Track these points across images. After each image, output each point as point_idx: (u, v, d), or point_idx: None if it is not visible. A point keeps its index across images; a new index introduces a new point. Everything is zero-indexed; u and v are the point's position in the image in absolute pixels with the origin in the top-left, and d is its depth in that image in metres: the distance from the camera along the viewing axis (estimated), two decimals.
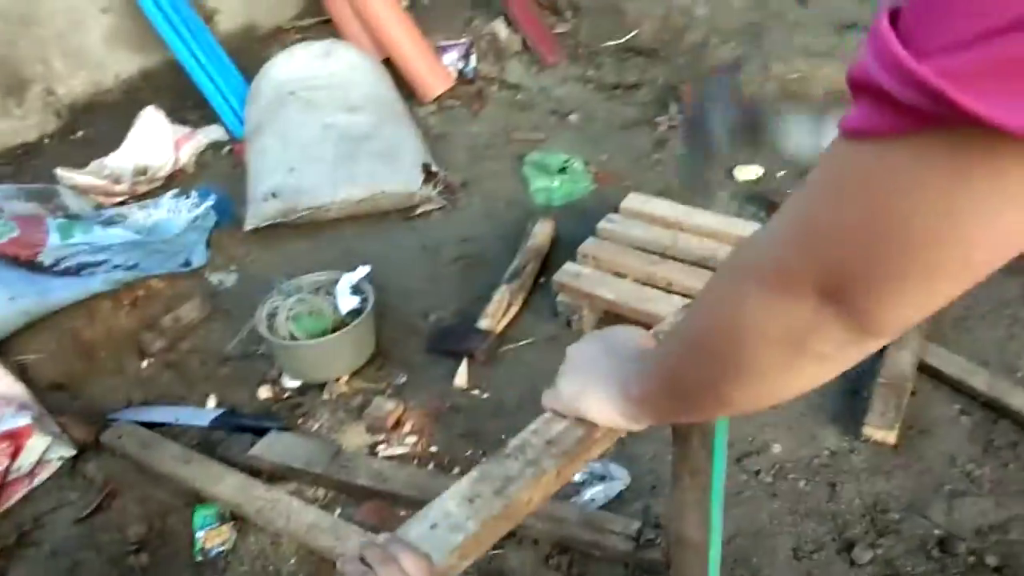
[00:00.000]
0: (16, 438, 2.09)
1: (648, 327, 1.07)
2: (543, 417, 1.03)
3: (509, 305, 2.49)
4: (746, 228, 2.46)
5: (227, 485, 2.00)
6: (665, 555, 1.76)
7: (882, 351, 2.14)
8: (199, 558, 1.91)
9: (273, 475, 2.07)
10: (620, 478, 1.97)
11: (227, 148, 3.47)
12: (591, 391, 0.96)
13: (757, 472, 1.96)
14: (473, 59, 3.76)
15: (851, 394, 2.13)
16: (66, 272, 2.64)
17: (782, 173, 3.02)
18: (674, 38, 3.84)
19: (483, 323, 2.43)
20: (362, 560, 0.85)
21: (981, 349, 2.19)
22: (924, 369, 2.12)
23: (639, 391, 0.91)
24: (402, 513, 1.96)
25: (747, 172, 3.04)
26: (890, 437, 1.96)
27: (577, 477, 1.96)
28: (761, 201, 2.87)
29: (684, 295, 2.27)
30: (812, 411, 2.10)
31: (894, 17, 0.43)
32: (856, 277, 0.53)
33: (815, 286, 0.56)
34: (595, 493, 1.93)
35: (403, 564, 0.83)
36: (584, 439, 1.00)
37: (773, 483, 1.94)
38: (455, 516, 0.92)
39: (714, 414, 0.78)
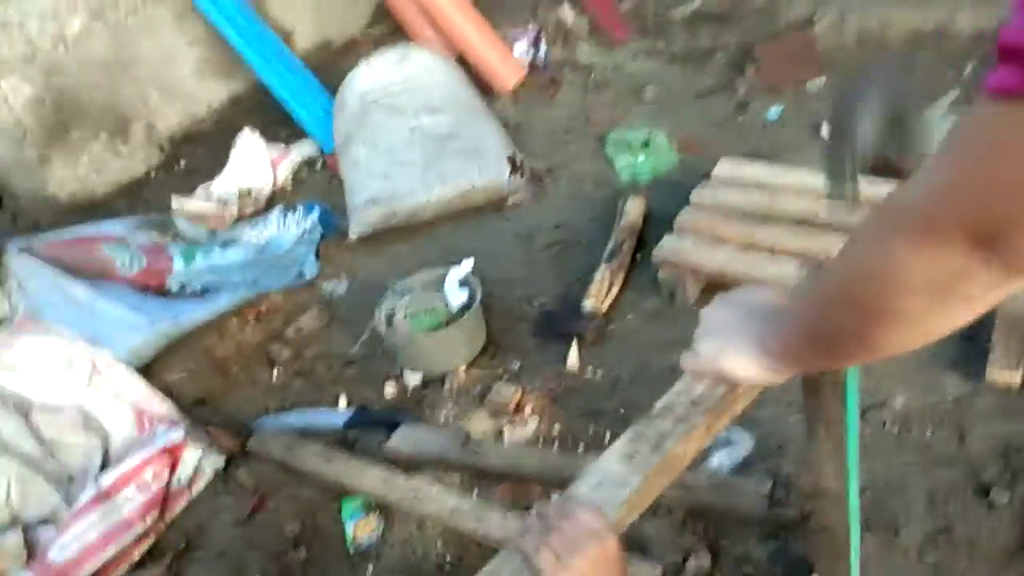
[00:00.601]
0: (173, 452, 2.27)
1: None
2: (684, 379, 1.09)
3: (611, 284, 2.55)
4: None
5: (370, 477, 2.13)
6: (800, 511, 1.80)
7: None
8: (351, 549, 2.05)
9: (410, 465, 2.20)
10: (743, 442, 2.01)
11: (320, 162, 3.62)
12: (731, 350, 1.01)
13: (883, 424, 1.97)
14: (543, 46, 3.81)
15: (968, 339, 2.11)
16: (192, 295, 2.84)
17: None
18: (740, 0, 3.80)
19: (587, 304, 2.49)
20: (540, 518, 0.94)
21: None
22: None
23: (779, 345, 0.96)
24: (538, 491, 2.06)
25: None
26: (1016, 378, 1.95)
27: None
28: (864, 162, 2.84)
29: (789, 255, 2.28)
30: (930, 360, 2.10)
31: None
32: (1011, 224, 0.58)
33: (967, 235, 0.59)
34: (721, 459, 1.98)
35: (579, 516, 0.91)
36: (727, 395, 1.06)
37: (899, 434, 1.95)
38: (618, 473, 0.99)
39: (859, 359, 0.82)
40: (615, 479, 0.99)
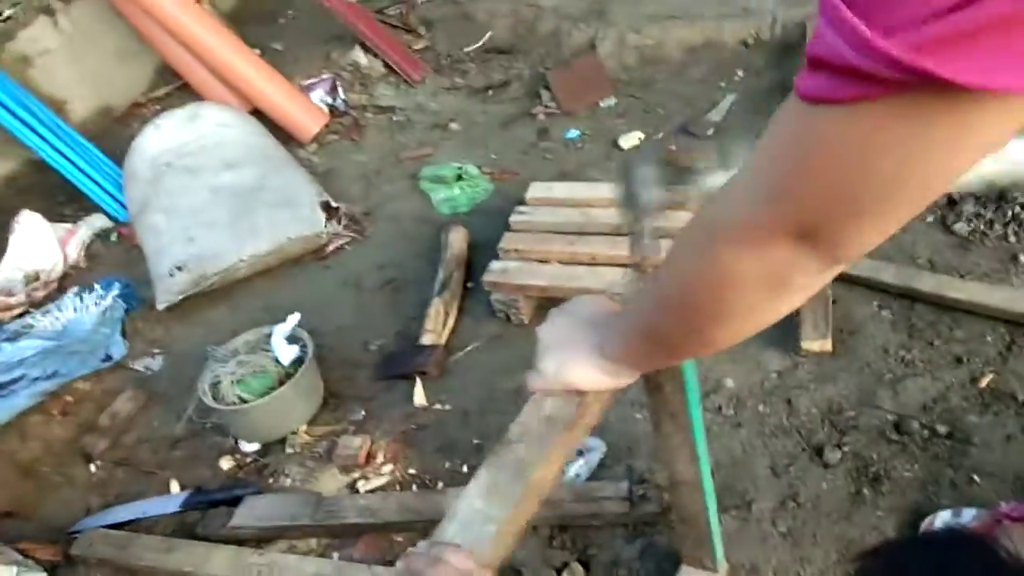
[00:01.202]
0: None
1: None
2: (533, 399, 1.08)
3: (446, 316, 2.53)
4: None
5: (217, 561, 1.96)
6: (660, 505, 1.85)
7: None
8: None
9: (260, 539, 2.04)
10: (597, 448, 2.04)
11: (114, 234, 3.36)
12: (572, 361, 1.02)
13: (719, 408, 2.07)
14: (341, 91, 3.77)
15: None
16: None
17: (661, 134, 3.18)
18: (528, 31, 3.96)
19: (426, 339, 2.46)
20: (409, 572, 0.88)
21: (881, 247, 2.36)
22: (838, 277, 2.27)
23: (619, 350, 0.98)
24: (399, 539, 1.98)
25: (630, 140, 3.18)
26: (827, 345, 2.11)
27: None
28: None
29: (609, 265, 2.37)
30: (750, 340, 2.21)
31: None
32: (830, 221, 0.60)
33: (791, 233, 0.62)
34: (578, 468, 2.00)
35: (451, 562, 0.87)
36: (579, 408, 1.06)
37: (736, 414, 2.05)
38: (482, 509, 0.96)
39: (697, 354, 0.84)
40: (481, 515, 0.95)
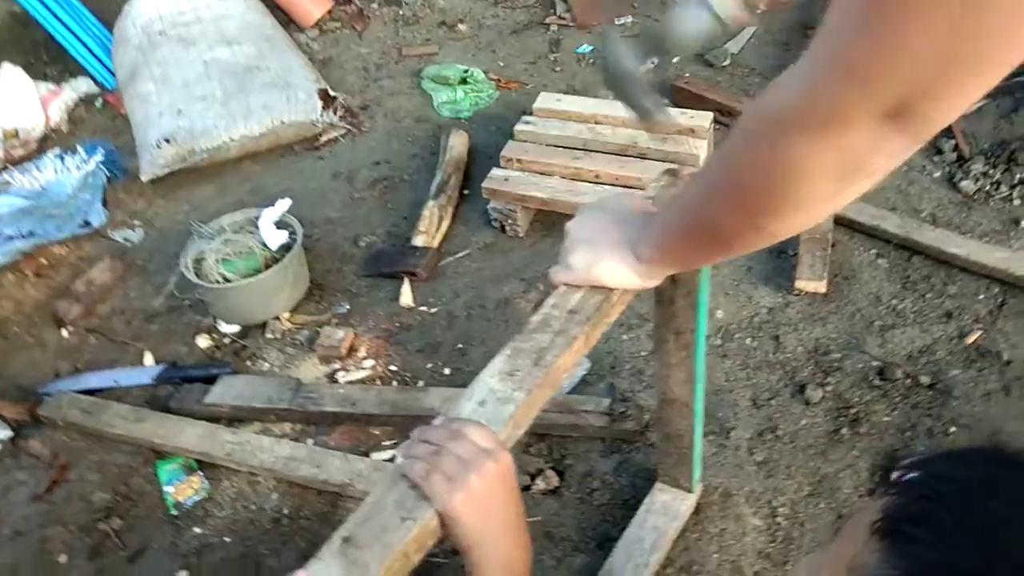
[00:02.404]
0: None
1: None
2: (559, 291, 1.06)
3: (440, 219, 2.48)
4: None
5: (189, 435, 1.94)
6: (639, 424, 1.86)
7: None
8: (174, 511, 1.87)
9: (234, 419, 2.03)
10: (581, 363, 2.04)
11: (100, 100, 3.22)
12: (604, 258, 1.00)
13: (707, 337, 2.05)
14: None
15: (777, 254, 2.26)
16: None
17: (676, 59, 3.09)
18: None
19: (418, 240, 2.41)
20: (426, 443, 0.86)
21: (886, 197, 2.36)
22: (840, 221, 2.26)
23: (654, 249, 0.95)
24: (376, 432, 1.98)
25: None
26: (821, 287, 2.11)
27: None
28: (663, 87, 2.93)
29: (612, 184, 2.32)
30: (745, 276, 2.22)
31: None
32: (925, 93, 0.56)
33: (877, 116, 0.58)
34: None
35: (470, 436, 0.85)
36: (603, 303, 1.04)
37: (722, 345, 2.05)
38: (500, 391, 0.94)
39: (749, 248, 0.82)
40: (499, 396, 0.94)
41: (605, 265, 1.00)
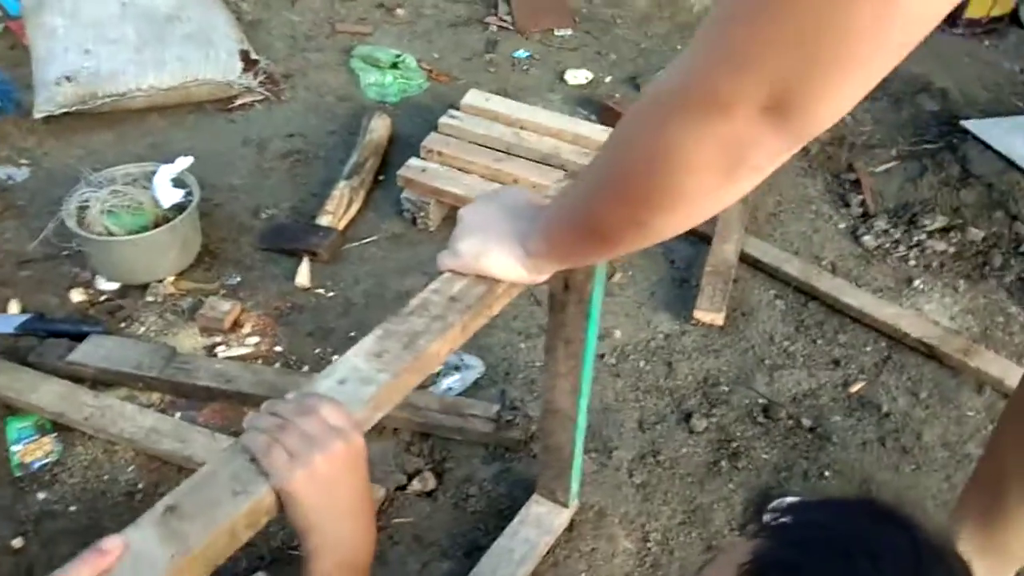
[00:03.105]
0: None
1: None
2: (443, 277, 1.02)
3: (350, 202, 2.39)
4: (583, 127, 2.51)
5: (45, 393, 1.80)
6: (524, 433, 1.82)
7: (708, 243, 2.29)
8: (18, 473, 1.72)
9: (99, 381, 1.89)
10: (475, 367, 1.99)
11: (1, 26, 2.99)
12: (493, 249, 0.97)
13: (602, 355, 2.05)
14: None
15: (680, 283, 2.28)
16: None
17: (609, 79, 3.11)
18: None
19: (323, 220, 2.32)
20: (274, 415, 0.80)
21: (791, 240, 2.42)
22: (744, 259, 2.30)
23: (544, 243, 0.93)
24: (250, 412, 1.87)
25: (577, 76, 3.09)
26: (718, 319, 2.13)
27: None
28: (592, 104, 2.94)
29: (532, 189, 2.29)
30: (647, 300, 2.23)
31: None
32: (801, 84, 0.56)
33: (756, 104, 0.57)
34: (452, 383, 1.94)
35: (321, 412, 0.79)
36: (487, 295, 1.00)
37: (616, 364, 2.05)
38: (364, 371, 0.89)
39: (633, 245, 0.80)
40: (361, 376, 0.88)
41: (493, 256, 0.97)
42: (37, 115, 2.56)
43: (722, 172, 0.64)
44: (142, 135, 2.66)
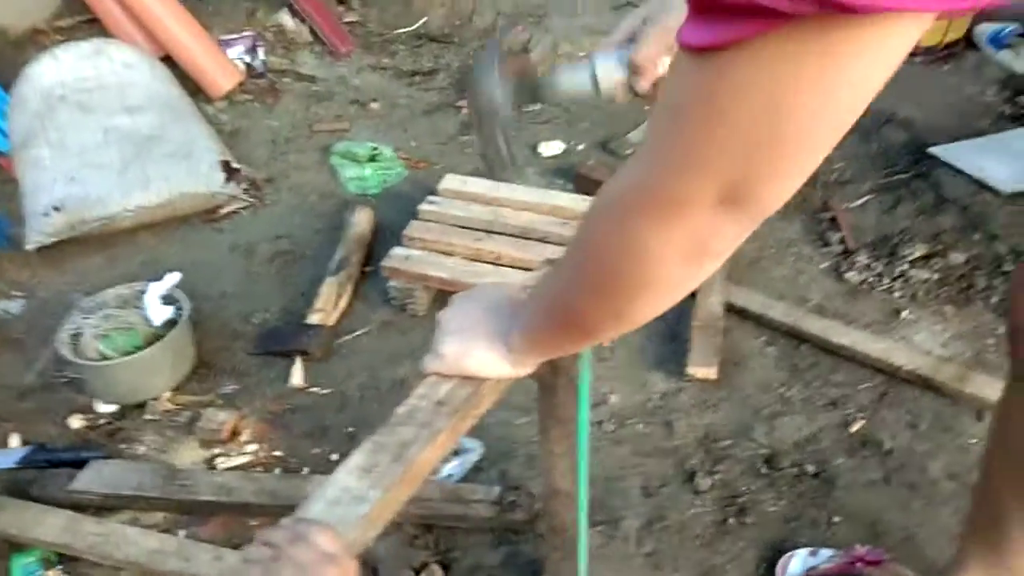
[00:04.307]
0: None
1: None
2: (428, 380, 1.03)
3: (339, 297, 2.43)
4: (560, 198, 2.56)
5: (49, 526, 1.81)
6: (528, 514, 1.81)
7: (693, 296, 2.31)
8: None
9: (102, 507, 1.90)
10: (474, 449, 1.99)
11: None
12: (474, 348, 0.99)
13: (600, 423, 2.05)
14: (261, 52, 3.60)
15: (671, 339, 2.28)
16: None
17: (582, 147, 3.17)
18: (463, 23, 3.90)
19: (313, 318, 2.35)
20: (267, 545, 0.81)
21: (775, 285, 2.43)
22: (731, 308, 2.31)
23: (524, 338, 0.95)
24: (254, 523, 1.87)
25: (551, 148, 3.16)
26: (712, 373, 2.13)
27: None
28: (567, 174, 3.00)
29: (512, 266, 2.33)
30: (639, 360, 2.24)
31: None
32: (750, 179, 0.58)
33: (709, 198, 0.60)
34: (452, 469, 1.94)
35: (313, 540, 0.80)
36: (473, 395, 1.01)
37: (616, 431, 2.04)
38: (355, 489, 0.90)
39: (613, 333, 0.82)
40: (353, 495, 0.89)
41: (475, 355, 0.99)
42: (29, 247, 2.63)
43: (687, 262, 0.67)
44: (133, 254, 2.72)
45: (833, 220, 2.61)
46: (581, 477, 1.43)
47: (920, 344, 2.20)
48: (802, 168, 0.59)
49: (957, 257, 2.39)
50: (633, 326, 0.79)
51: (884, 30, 0.49)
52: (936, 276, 2.37)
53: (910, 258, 2.40)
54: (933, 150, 2.76)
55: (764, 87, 0.52)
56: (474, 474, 1.95)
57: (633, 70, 1.08)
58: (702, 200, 0.60)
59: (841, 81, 0.51)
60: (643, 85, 1.10)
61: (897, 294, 2.35)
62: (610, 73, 1.18)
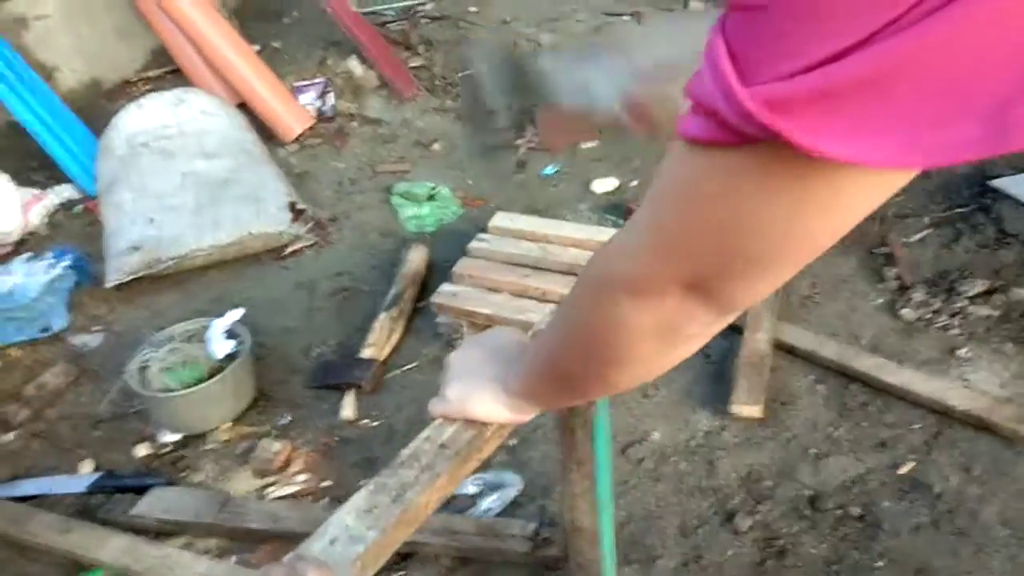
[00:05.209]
0: None
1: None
2: (434, 424, 1.07)
3: (391, 332, 2.51)
4: (607, 235, 2.57)
5: (112, 548, 1.92)
6: (562, 550, 1.82)
7: (740, 333, 2.29)
8: None
9: (161, 532, 2.00)
10: (514, 484, 2.02)
11: (79, 207, 3.34)
12: (476, 392, 1.01)
13: (641, 460, 2.05)
14: (331, 97, 3.78)
15: (717, 377, 2.27)
16: None
17: (635, 183, 3.20)
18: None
19: (366, 352, 2.44)
20: None
21: (828, 323, 2.39)
22: (779, 346, 2.28)
23: (521, 385, 0.97)
24: None
25: (604, 184, 3.20)
26: (756, 412, 2.10)
27: (472, 488, 2.00)
28: (619, 210, 3.02)
29: (558, 303, 2.36)
30: (684, 397, 2.23)
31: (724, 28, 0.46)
32: (715, 274, 0.59)
33: (679, 285, 0.61)
34: (491, 503, 1.97)
35: None
36: (476, 438, 1.04)
37: (656, 468, 2.04)
38: (354, 528, 0.93)
39: (600, 395, 0.84)
40: (351, 534, 0.93)
41: (477, 399, 1.01)
42: (108, 284, 2.81)
43: (662, 342, 0.67)
44: (204, 290, 2.88)
45: (889, 255, 2.55)
46: (603, 517, 1.44)
47: (978, 383, 2.12)
48: (773, 278, 0.58)
49: (1019, 293, 2.30)
50: (620, 391, 0.80)
51: (850, 179, 0.46)
52: (997, 313, 2.28)
53: (969, 294, 2.32)
54: (996, 183, 2.67)
55: (733, 196, 0.52)
56: (513, 509, 1.97)
57: (629, 109, 1.10)
58: (672, 286, 0.61)
59: (813, 209, 0.49)
60: (632, 122, 1.11)
61: (954, 331, 2.27)
62: (608, 94, 1.20)
